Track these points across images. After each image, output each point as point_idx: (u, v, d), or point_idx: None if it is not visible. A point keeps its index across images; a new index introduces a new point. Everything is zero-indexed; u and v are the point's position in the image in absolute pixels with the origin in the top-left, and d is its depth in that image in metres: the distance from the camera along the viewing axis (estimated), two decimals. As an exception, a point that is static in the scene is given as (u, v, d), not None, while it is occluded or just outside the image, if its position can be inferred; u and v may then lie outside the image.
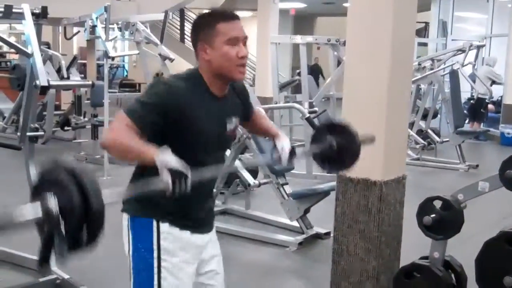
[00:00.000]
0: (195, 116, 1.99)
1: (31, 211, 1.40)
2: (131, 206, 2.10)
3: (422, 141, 8.81)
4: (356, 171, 3.48)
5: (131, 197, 2.01)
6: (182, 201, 1.80)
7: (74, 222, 1.42)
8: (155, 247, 2.06)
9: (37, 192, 1.46)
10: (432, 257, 3.26)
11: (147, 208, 2.03)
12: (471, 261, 3.17)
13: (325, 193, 4.81)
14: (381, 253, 3.46)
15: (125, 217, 2.13)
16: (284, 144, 2.23)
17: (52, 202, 1.40)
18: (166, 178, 1.69)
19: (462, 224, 3.18)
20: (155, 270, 2.06)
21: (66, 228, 1.43)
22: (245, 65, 2.06)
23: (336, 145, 2.28)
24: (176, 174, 1.70)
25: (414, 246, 3.64)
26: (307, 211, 4.84)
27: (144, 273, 2.08)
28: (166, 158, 1.73)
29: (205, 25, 2.04)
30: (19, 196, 4.03)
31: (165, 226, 2.06)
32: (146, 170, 1.86)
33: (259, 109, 2.47)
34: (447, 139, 8.89)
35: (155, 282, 2.06)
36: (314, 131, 2.44)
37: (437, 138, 9.18)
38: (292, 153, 2.23)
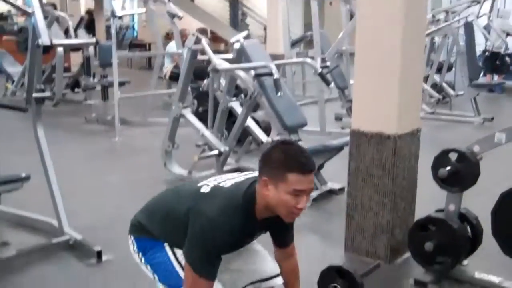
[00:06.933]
0: (236, 243, 2.10)
1: None
2: (137, 229, 2.24)
3: (437, 95, 8.68)
4: (370, 125, 3.44)
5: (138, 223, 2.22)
6: None
7: None
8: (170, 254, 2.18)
9: None
10: (448, 209, 3.22)
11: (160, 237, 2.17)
12: (487, 214, 3.13)
13: (339, 149, 4.76)
14: (396, 207, 3.43)
15: (131, 240, 2.25)
16: None
17: None
18: None
19: (478, 176, 3.13)
20: (171, 257, 2.17)
21: None
22: (300, 212, 2.02)
23: None
24: None
25: (429, 200, 3.60)
26: (321, 167, 4.80)
27: (162, 265, 2.17)
28: None
29: (276, 167, 1.96)
30: (28, 158, 4.05)
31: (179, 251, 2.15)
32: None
33: (296, 259, 2.41)
34: (462, 92, 8.76)
35: (176, 267, 2.15)
36: None
37: (451, 92, 9.05)
38: None
